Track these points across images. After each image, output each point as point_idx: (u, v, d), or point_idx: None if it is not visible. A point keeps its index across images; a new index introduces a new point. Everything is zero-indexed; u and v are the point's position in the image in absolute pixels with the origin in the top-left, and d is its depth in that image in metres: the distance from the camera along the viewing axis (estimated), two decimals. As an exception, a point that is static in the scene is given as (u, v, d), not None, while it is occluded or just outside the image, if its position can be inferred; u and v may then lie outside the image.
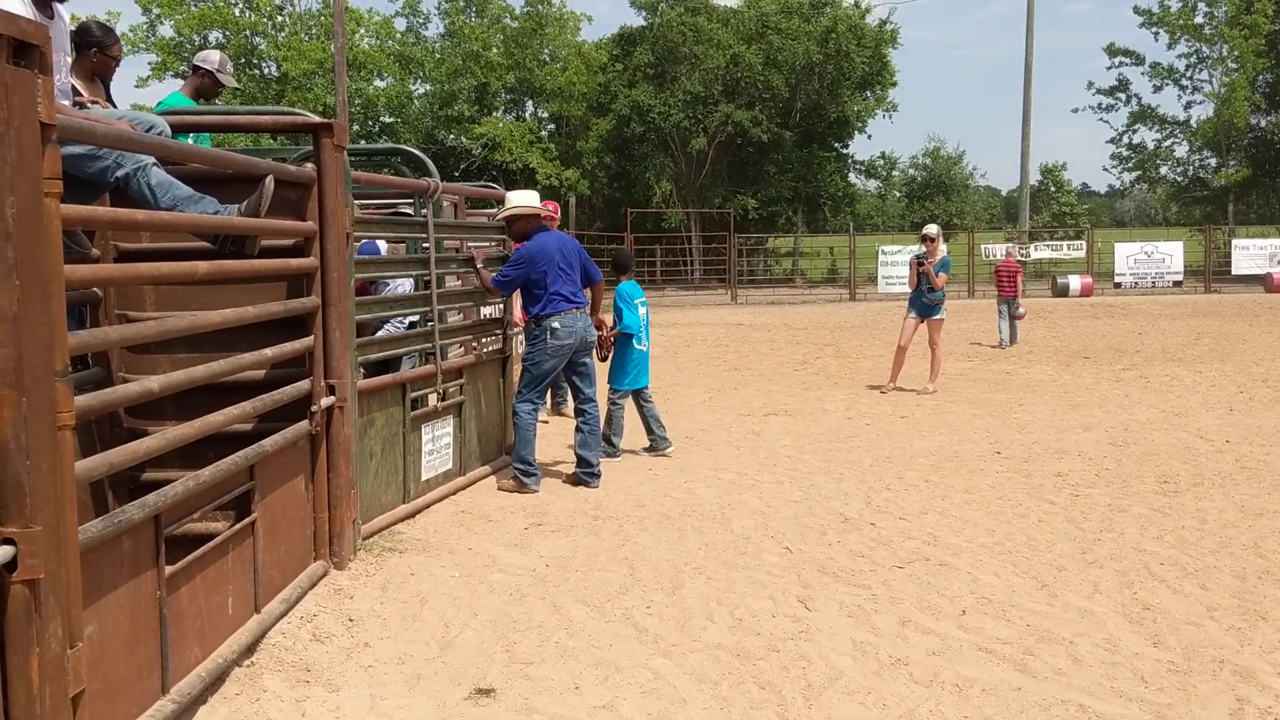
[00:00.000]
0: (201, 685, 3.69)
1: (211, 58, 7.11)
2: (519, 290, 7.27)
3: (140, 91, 39.03)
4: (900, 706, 3.88)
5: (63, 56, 4.35)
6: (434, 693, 3.98)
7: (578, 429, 7.42)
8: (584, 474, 7.29)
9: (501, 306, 7.83)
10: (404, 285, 7.27)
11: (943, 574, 5.36)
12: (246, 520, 4.23)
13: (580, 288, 7.29)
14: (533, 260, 7.07)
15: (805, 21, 38.75)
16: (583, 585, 5.18)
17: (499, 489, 7.16)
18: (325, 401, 4.99)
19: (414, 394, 6.39)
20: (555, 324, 7.04)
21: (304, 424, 4.83)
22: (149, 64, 37.19)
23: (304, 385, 4.86)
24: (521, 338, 8.36)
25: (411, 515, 6.26)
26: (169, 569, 3.55)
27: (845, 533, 6.10)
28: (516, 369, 7.77)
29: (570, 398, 10.31)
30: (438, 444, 6.73)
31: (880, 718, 3.80)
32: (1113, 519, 6.37)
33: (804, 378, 13.63)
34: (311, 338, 4.94)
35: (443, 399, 6.79)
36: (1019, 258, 28.35)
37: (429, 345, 6.57)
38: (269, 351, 4.52)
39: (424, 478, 6.55)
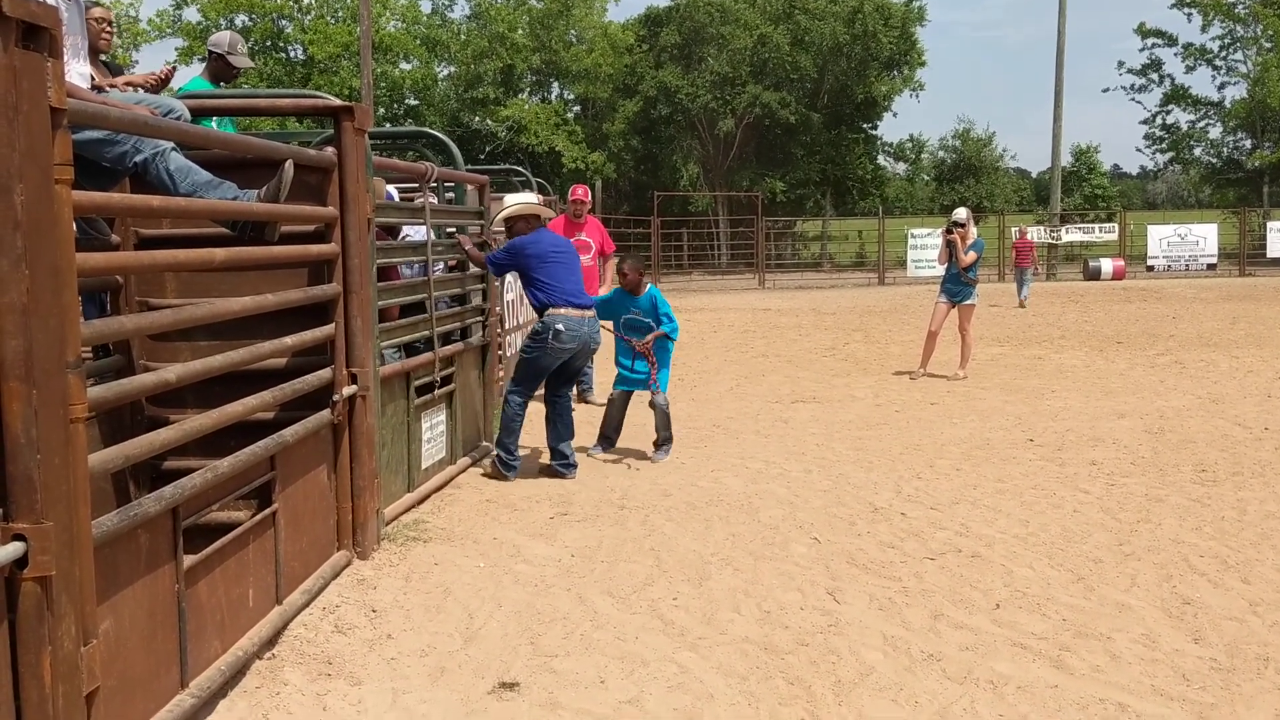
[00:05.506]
0: (221, 679, 3.64)
1: (221, 40, 7.03)
2: (524, 286, 7.22)
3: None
4: (933, 704, 3.78)
5: (79, 39, 4.29)
6: (457, 686, 3.92)
7: (550, 420, 7.23)
8: (560, 466, 7.18)
9: (483, 294, 7.74)
10: (419, 232, 7.19)
11: (975, 566, 5.25)
12: (267, 511, 4.18)
13: (583, 289, 7.16)
14: (523, 248, 7.00)
15: (832, 2, 38.40)
16: (608, 576, 5.11)
17: (482, 475, 7.12)
18: (347, 390, 4.93)
19: (416, 382, 6.33)
20: (560, 326, 6.91)
21: (325, 413, 4.76)
22: (175, 49, 37.28)
23: (325, 374, 4.80)
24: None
25: (417, 504, 6.21)
26: (188, 561, 3.50)
27: (875, 523, 6.00)
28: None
29: (593, 385, 10.26)
30: (434, 432, 6.69)
31: (912, 716, 3.71)
32: (1150, 509, 6.23)
33: (832, 364, 13.50)
34: (332, 325, 4.87)
35: (440, 387, 6.73)
36: (1037, 236, 28.45)
37: (427, 333, 6.52)
38: (289, 340, 4.46)
39: (424, 466, 6.50)
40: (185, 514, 3.47)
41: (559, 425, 7.21)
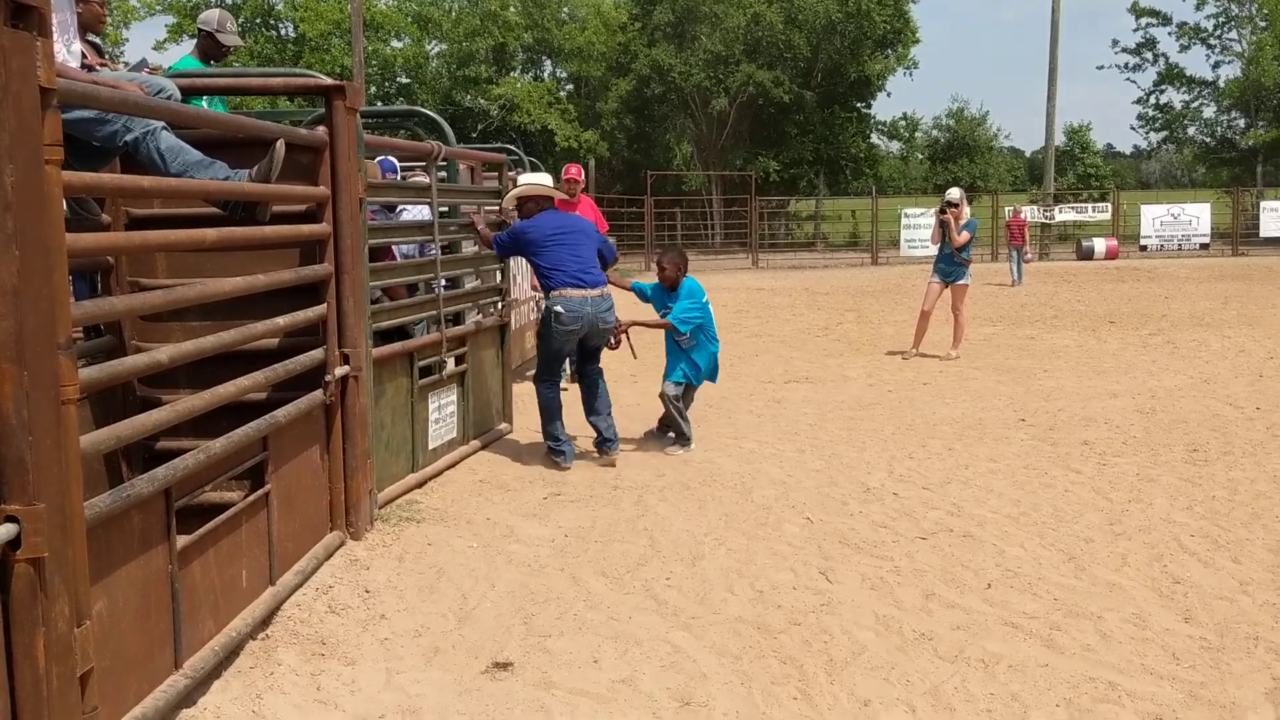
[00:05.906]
0: (215, 659, 3.65)
1: (210, 18, 6.97)
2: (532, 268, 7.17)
3: (157, 54, 38.76)
4: (925, 683, 3.80)
5: (68, 17, 4.26)
6: (451, 666, 3.93)
7: (586, 404, 7.15)
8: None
9: (500, 274, 7.71)
10: (422, 211, 7.13)
11: (967, 546, 5.27)
12: (260, 491, 4.18)
13: (594, 267, 7.06)
14: (524, 232, 6.97)
15: (826, -20, 38.18)
16: (602, 557, 5.12)
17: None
18: (339, 371, 4.91)
19: (421, 363, 6.31)
20: (559, 308, 6.86)
21: (318, 394, 4.75)
22: (165, 26, 37.01)
23: (317, 354, 4.79)
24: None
25: (420, 484, 6.19)
26: (181, 542, 3.50)
27: (867, 503, 6.02)
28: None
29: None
30: (443, 413, 6.66)
31: (904, 694, 3.73)
32: (1141, 489, 6.25)
33: (825, 344, 13.51)
34: (324, 306, 4.86)
35: (448, 368, 6.70)
36: (1031, 216, 28.66)
37: (434, 312, 6.48)
38: (281, 320, 4.44)
39: (431, 447, 6.49)
40: (178, 495, 3.47)
41: (584, 399, 7.18)
